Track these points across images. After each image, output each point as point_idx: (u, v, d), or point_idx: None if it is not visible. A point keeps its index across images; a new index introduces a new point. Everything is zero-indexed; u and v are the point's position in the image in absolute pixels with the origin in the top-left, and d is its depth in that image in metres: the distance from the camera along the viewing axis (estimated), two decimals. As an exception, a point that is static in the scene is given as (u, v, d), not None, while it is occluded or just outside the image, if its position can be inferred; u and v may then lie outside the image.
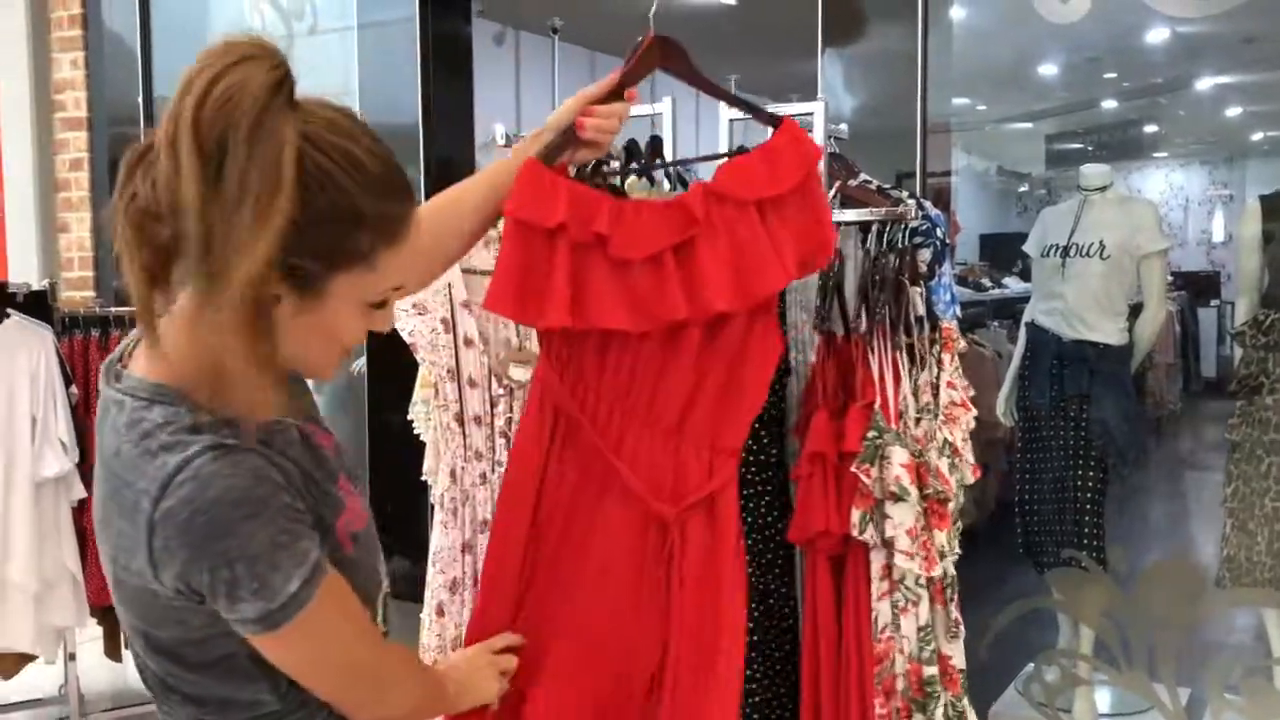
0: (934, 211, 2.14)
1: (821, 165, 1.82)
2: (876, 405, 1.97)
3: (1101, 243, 3.40)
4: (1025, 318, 3.64)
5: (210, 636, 1.05)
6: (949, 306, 2.17)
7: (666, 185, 2.29)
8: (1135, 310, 3.49)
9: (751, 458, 2.13)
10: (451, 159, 3.73)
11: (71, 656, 3.54)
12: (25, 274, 4.69)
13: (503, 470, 2.02)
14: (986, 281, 6.40)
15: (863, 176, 2.18)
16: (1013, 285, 6.40)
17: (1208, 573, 3.13)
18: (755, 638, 2.12)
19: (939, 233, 2.09)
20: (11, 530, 3.27)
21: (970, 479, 2.04)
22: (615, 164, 2.19)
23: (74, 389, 3.38)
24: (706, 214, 1.48)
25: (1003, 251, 7.42)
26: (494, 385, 2.39)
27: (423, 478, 2.54)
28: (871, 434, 1.94)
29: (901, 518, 1.93)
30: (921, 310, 2.02)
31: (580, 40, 5.09)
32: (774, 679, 2.20)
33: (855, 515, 1.95)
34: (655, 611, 1.49)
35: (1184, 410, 7.25)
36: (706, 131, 2.51)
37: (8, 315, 3.31)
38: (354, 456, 1.25)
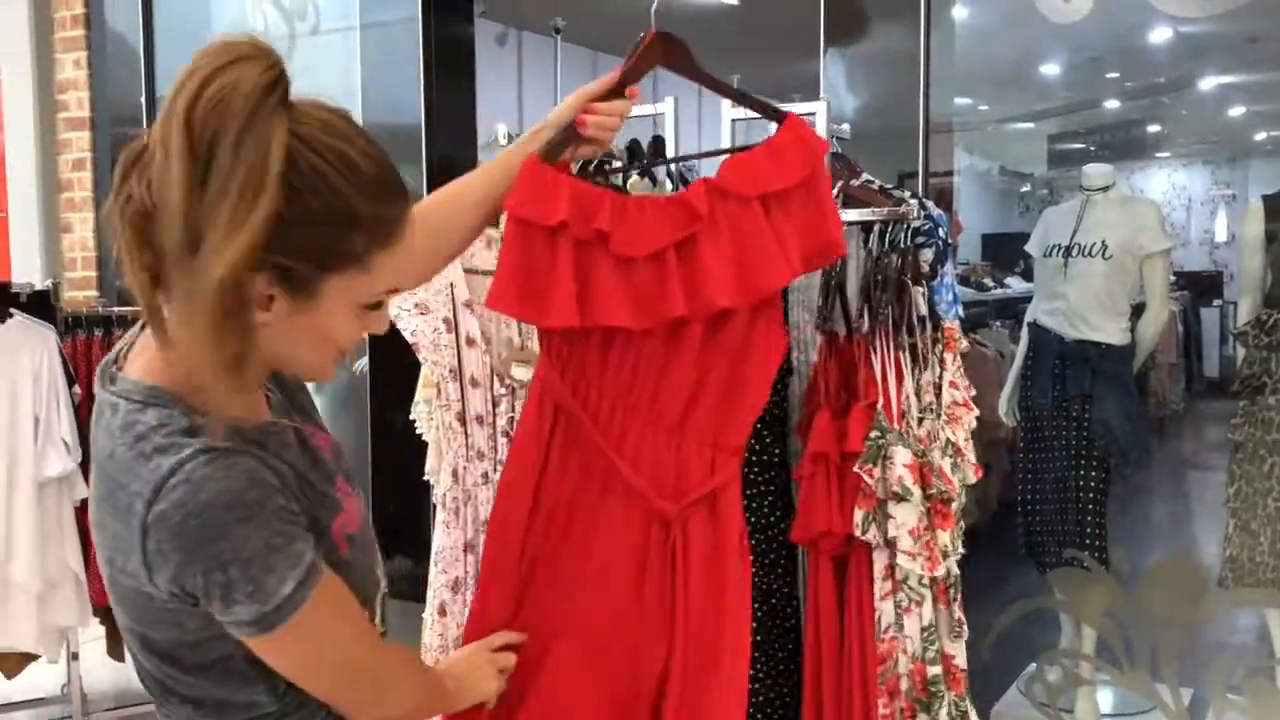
0: (936, 211, 2.14)
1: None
2: (879, 405, 1.97)
3: (1104, 243, 3.39)
4: (1027, 318, 3.64)
5: (206, 638, 1.05)
6: (951, 306, 2.17)
7: (669, 185, 2.29)
8: (1138, 310, 3.48)
9: (754, 457, 2.13)
10: (454, 159, 3.73)
11: (74, 656, 3.54)
12: (28, 274, 4.70)
13: (505, 470, 2.01)
14: (989, 281, 6.39)
15: (865, 176, 2.17)
16: (1015, 285, 6.39)
17: (1210, 573, 3.12)
18: (758, 637, 2.12)
19: (941, 233, 2.09)
20: (14, 530, 3.27)
21: (972, 479, 2.04)
22: (617, 163, 2.19)
23: (77, 389, 3.38)
24: (710, 210, 1.47)
25: (1005, 251, 7.41)
26: (496, 385, 2.39)
27: (425, 477, 2.54)
28: (874, 434, 1.94)
29: (904, 518, 1.93)
30: (924, 310, 2.02)
31: (582, 40, 5.09)
32: (777, 679, 2.20)
33: (858, 515, 1.95)
34: (661, 611, 1.48)
35: (1186, 410, 7.24)
36: (709, 131, 2.51)
37: (11, 315, 3.32)
38: (353, 457, 1.25)
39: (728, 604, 1.53)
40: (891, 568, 1.97)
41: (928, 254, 2.05)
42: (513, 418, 2.35)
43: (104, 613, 3.49)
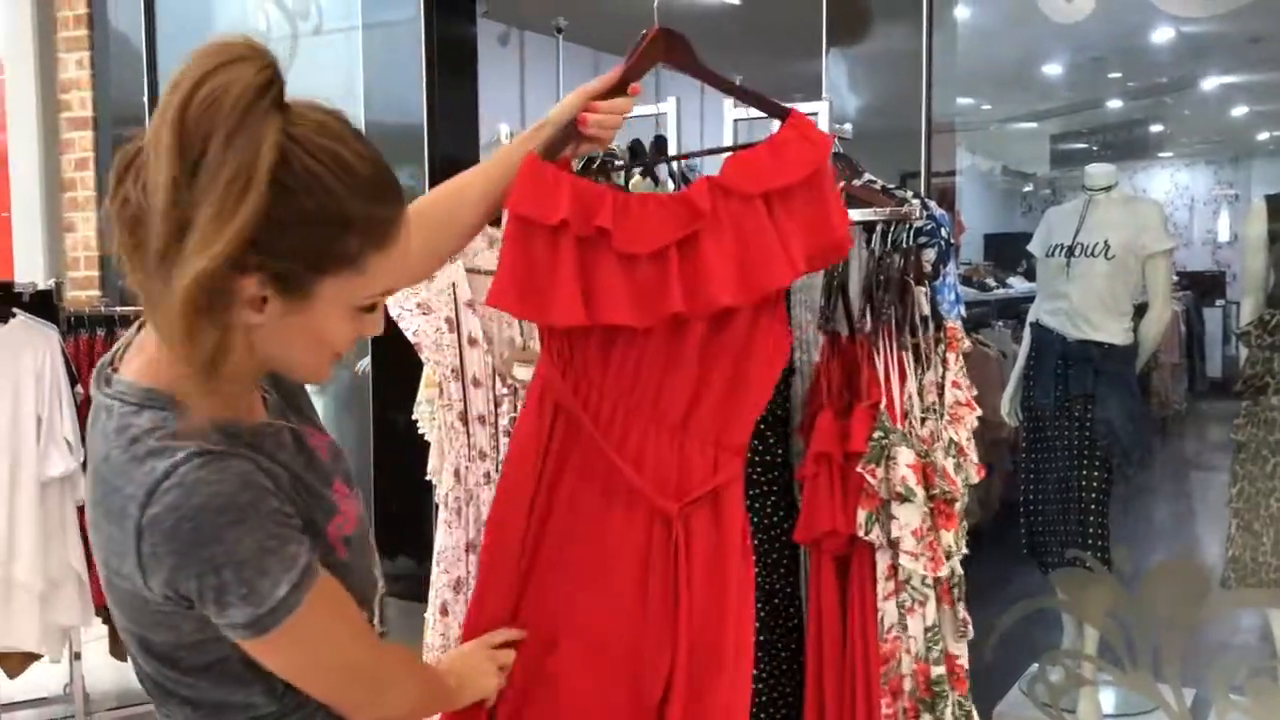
0: (938, 211, 2.14)
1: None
2: (882, 405, 1.96)
3: (1106, 242, 3.39)
4: (1030, 317, 3.64)
5: (202, 640, 1.05)
6: (953, 306, 2.17)
7: (671, 185, 2.29)
8: (1140, 310, 3.48)
9: (757, 458, 2.13)
10: (456, 159, 3.73)
11: (77, 655, 3.54)
12: (31, 273, 4.71)
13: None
14: (991, 281, 6.39)
15: (867, 176, 2.17)
16: (1017, 285, 6.38)
17: (1213, 573, 3.12)
18: (761, 637, 2.12)
19: (944, 232, 2.09)
20: (17, 530, 3.27)
21: (975, 479, 2.04)
22: (619, 162, 2.19)
23: (79, 388, 3.38)
24: (712, 207, 1.47)
25: (1007, 251, 7.41)
26: (498, 384, 2.39)
27: (427, 477, 2.54)
28: (877, 434, 1.94)
29: (907, 518, 1.93)
30: (926, 310, 2.02)
31: (585, 40, 5.09)
32: (779, 679, 2.20)
33: (861, 515, 1.95)
34: (664, 611, 1.48)
35: (1189, 410, 7.23)
36: (711, 131, 2.51)
37: (14, 315, 3.32)
38: (352, 458, 1.24)
39: (731, 603, 1.53)
40: (894, 568, 1.97)
41: (930, 254, 2.05)
42: (514, 418, 2.36)
43: (106, 612, 3.49)
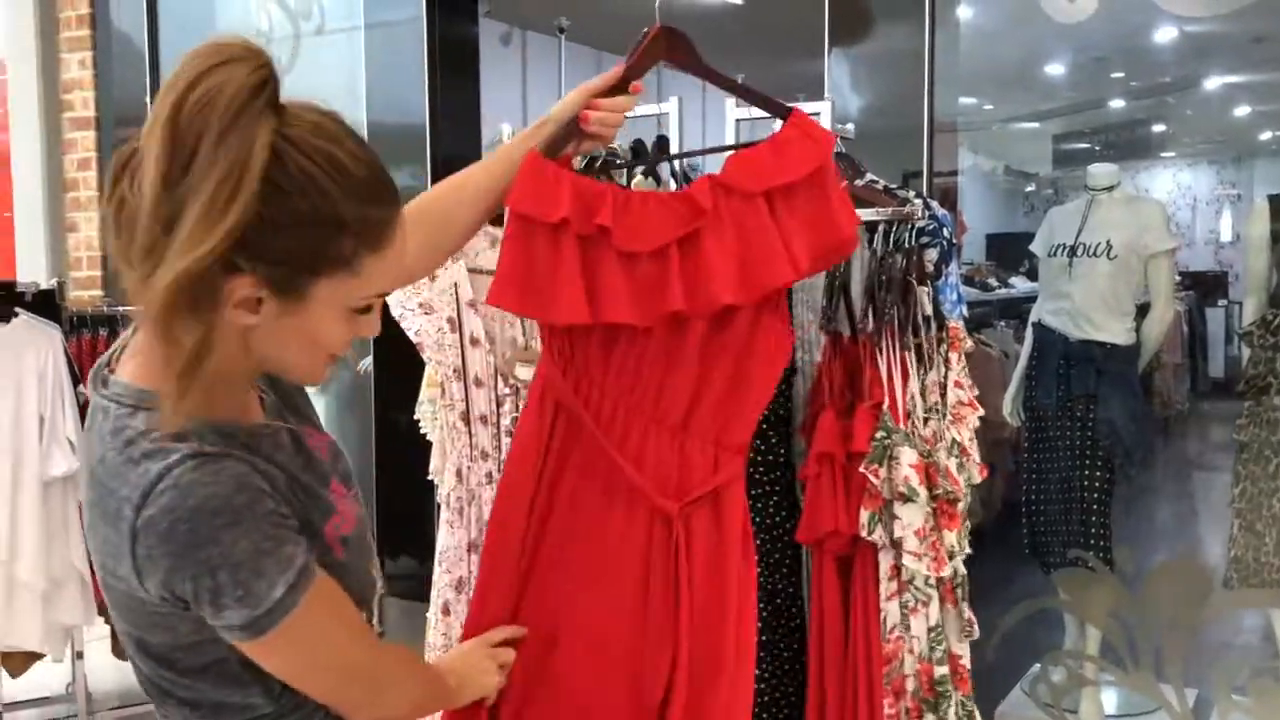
0: (941, 211, 2.14)
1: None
2: (884, 405, 1.96)
3: (1109, 242, 3.39)
4: (1032, 317, 3.64)
5: (200, 642, 1.05)
6: (955, 306, 2.16)
7: (673, 184, 2.29)
8: (1142, 310, 3.48)
9: (759, 457, 2.13)
10: (458, 159, 3.69)
11: (79, 655, 3.54)
12: (34, 273, 4.71)
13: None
14: (993, 281, 6.38)
15: (869, 176, 2.17)
16: (1019, 285, 6.38)
17: (1215, 573, 3.12)
18: (763, 637, 2.12)
19: (946, 232, 2.09)
20: (20, 529, 3.28)
21: (978, 479, 2.04)
22: (621, 160, 2.19)
23: (82, 388, 3.38)
24: (714, 205, 1.46)
25: (1009, 251, 7.41)
26: (500, 384, 2.39)
27: (429, 477, 2.54)
28: (880, 434, 1.94)
29: (910, 518, 1.93)
30: (929, 310, 2.02)
31: (587, 40, 5.09)
32: (781, 679, 2.20)
33: (864, 515, 1.95)
34: (665, 611, 1.48)
35: (1191, 410, 7.23)
36: (713, 131, 2.51)
37: (16, 314, 3.32)
38: (352, 459, 1.24)
39: (731, 603, 1.53)
40: (897, 568, 1.97)
41: (932, 254, 2.05)
42: (516, 417, 2.36)
43: (108, 612, 3.49)
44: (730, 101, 2.22)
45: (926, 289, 2.02)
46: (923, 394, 2.01)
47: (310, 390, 1.27)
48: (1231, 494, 3.08)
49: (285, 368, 1.12)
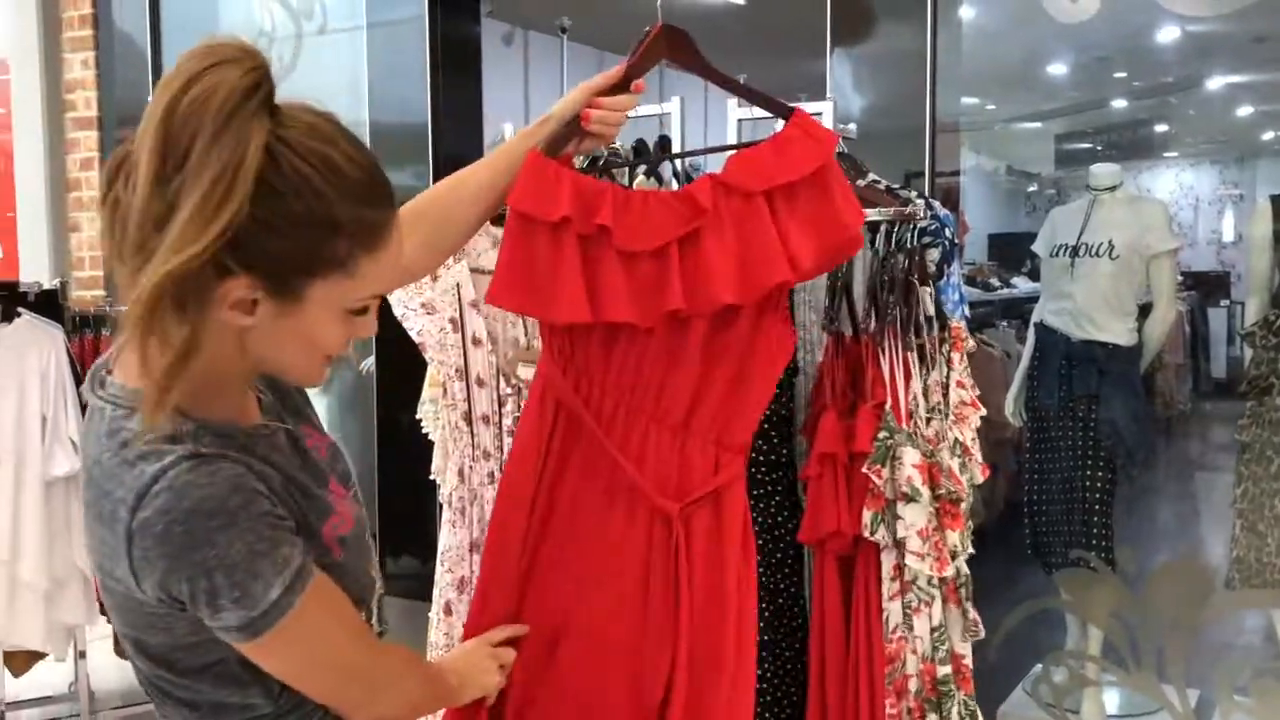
0: (943, 211, 2.14)
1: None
2: (887, 405, 1.96)
3: (1111, 242, 3.39)
4: (1034, 318, 3.63)
5: (198, 642, 1.05)
6: (958, 306, 2.17)
7: (675, 184, 2.29)
8: (1144, 310, 3.48)
9: (761, 458, 2.13)
10: (460, 159, 3.69)
11: (82, 654, 3.55)
12: (36, 273, 4.71)
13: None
14: (995, 281, 6.38)
15: (871, 176, 2.17)
16: (1021, 285, 6.37)
17: (1217, 574, 3.12)
18: (765, 637, 2.12)
19: (948, 232, 2.09)
20: (22, 529, 3.28)
21: (980, 478, 2.04)
22: (622, 159, 2.20)
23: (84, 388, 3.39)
24: (714, 205, 1.46)
25: (1011, 251, 7.40)
26: (502, 384, 2.39)
27: (431, 477, 2.54)
28: (883, 434, 1.94)
29: (913, 518, 1.93)
30: (931, 310, 2.02)
31: (589, 40, 5.09)
32: (783, 679, 2.20)
33: (867, 516, 1.95)
34: (665, 611, 1.48)
35: (1193, 411, 7.22)
36: (715, 131, 2.51)
37: (19, 314, 3.33)
38: (354, 458, 1.24)
39: (731, 603, 1.52)
40: (900, 568, 1.97)
41: (934, 254, 2.05)
42: (518, 417, 2.36)
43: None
44: (732, 101, 2.22)
45: (929, 289, 2.02)
46: (925, 394, 2.01)
47: (311, 390, 1.27)
48: (1233, 494, 3.08)
49: (282, 369, 1.12)
